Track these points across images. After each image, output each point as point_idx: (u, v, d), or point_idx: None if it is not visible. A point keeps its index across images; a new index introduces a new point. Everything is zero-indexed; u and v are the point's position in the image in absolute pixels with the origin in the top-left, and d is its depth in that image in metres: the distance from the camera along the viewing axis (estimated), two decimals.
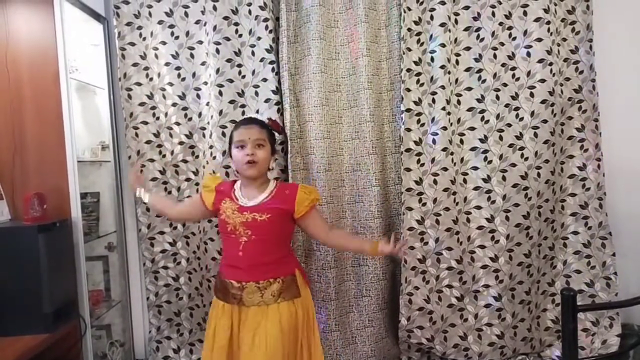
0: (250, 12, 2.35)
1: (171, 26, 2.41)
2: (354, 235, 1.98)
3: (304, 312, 1.73)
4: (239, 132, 1.72)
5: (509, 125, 2.34)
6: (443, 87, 2.29)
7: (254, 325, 1.64)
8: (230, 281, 1.69)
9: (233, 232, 1.67)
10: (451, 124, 2.33)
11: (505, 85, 2.34)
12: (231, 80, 2.35)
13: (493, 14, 2.32)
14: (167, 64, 2.42)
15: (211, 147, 2.37)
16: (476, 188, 2.36)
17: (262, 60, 2.35)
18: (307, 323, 1.75)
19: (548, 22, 2.29)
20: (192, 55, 2.42)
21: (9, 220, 2.08)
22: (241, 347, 1.65)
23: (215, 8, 2.33)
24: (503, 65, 2.34)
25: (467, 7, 2.31)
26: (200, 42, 2.41)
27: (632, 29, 2.45)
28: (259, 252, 1.66)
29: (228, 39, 2.34)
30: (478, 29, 2.33)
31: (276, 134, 1.91)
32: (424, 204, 2.32)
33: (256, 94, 2.36)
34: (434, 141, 2.31)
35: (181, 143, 2.45)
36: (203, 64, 2.41)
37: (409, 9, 2.29)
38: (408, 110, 2.30)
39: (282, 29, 2.33)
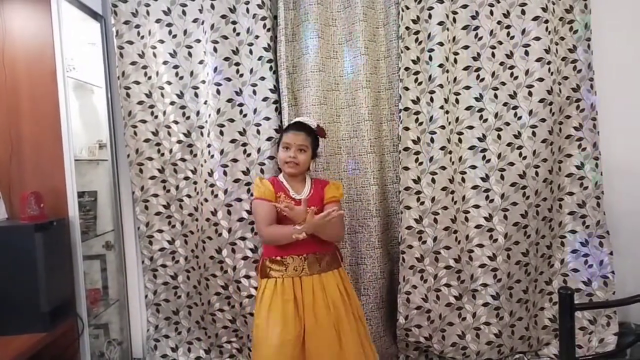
0: (248, 10, 2.34)
1: (169, 25, 2.40)
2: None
3: (348, 280, 2.02)
4: (288, 135, 1.97)
5: (507, 124, 2.35)
6: (441, 85, 2.29)
7: (319, 291, 1.88)
8: (291, 256, 1.89)
9: (302, 221, 1.83)
10: (449, 123, 2.33)
11: (503, 84, 2.34)
12: (229, 79, 2.34)
13: (491, 12, 2.32)
14: (165, 63, 2.42)
15: (209, 145, 2.36)
16: (474, 187, 2.37)
17: (260, 58, 2.34)
18: (352, 291, 2.02)
19: (546, 21, 2.29)
20: (190, 54, 2.42)
21: (6, 220, 2.07)
22: (312, 313, 1.84)
23: (213, 6, 2.33)
24: (501, 64, 2.34)
25: (465, 6, 2.31)
26: (198, 41, 2.40)
27: (630, 27, 2.46)
28: (319, 240, 1.89)
29: (226, 38, 2.34)
30: (476, 28, 2.33)
31: (320, 138, 2.10)
32: (422, 203, 2.32)
33: (254, 92, 2.36)
34: (432, 140, 2.31)
35: (179, 142, 2.45)
36: (201, 62, 2.41)
37: (407, 8, 2.28)
38: (406, 109, 2.30)
39: (280, 28, 2.32)
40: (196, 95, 2.43)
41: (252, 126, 2.36)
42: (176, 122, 2.44)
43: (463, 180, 2.38)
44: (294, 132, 1.95)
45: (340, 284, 1.93)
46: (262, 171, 2.32)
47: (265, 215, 1.88)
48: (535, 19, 2.29)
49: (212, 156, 2.35)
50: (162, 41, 2.41)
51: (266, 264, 1.93)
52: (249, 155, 2.36)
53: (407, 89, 2.30)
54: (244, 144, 2.36)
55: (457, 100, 2.36)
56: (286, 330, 1.80)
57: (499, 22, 2.33)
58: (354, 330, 1.89)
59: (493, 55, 2.33)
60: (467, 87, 2.34)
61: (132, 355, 2.61)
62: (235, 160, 2.34)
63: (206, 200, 2.38)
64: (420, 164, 2.32)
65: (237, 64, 2.36)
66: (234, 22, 2.35)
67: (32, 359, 1.78)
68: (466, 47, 2.33)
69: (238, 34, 2.36)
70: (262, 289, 1.91)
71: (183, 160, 2.47)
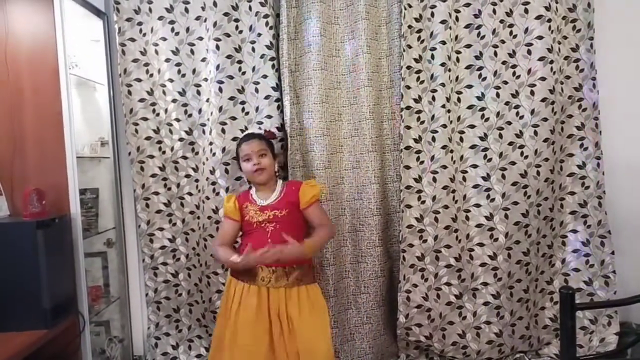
0: (250, 8, 2.34)
1: (171, 22, 2.40)
2: (315, 237, 1.93)
3: (318, 297, 1.98)
4: (242, 148, 2.01)
5: (509, 123, 2.34)
6: (443, 84, 2.29)
7: (283, 304, 1.87)
8: (261, 267, 1.87)
9: (259, 226, 1.92)
10: (451, 122, 2.33)
11: (505, 83, 2.34)
12: (231, 77, 2.34)
13: (494, 11, 2.32)
14: (167, 60, 2.42)
15: (211, 143, 2.37)
16: (475, 186, 2.36)
17: (262, 56, 2.34)
18: (320, 309, 1.97)
19: (549, 20, 2.28)
20: (192, 52, 2.42)
21: (8, 216, 2.07)
22: (277, 323, 1.86)
23: (215, 4, 2.33)
24: (504, 62, 2.33)
25: (468, 5, 2.31)
26: (201, 39, 2.40)
27: (633, 27, 2.45)
28: (281, 228, 1.89)
29: (228, 35, 2.34)
30: (479, 27, 2.32)
31: (273, 141, 2.16)
32: (423, 202, 2.32)
33: (256, 90, 2.36)
34: (433, 139, 2.31)
35: (181, 139, 2.45)
36: (203, 60, 2.41)
37: (410, 6, 2.28)
38: (408, 107, 2.30)
39: (282, 26, 2.32)
40: (198, 92, 2.43)
41: (254, 124, 2.36)
42: (178, 120, 2.44)
43: (464, 179, 2.38)
44: (247, 142, 2.00)
45: (303, 301, 1.90)
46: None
47: (221, 233, 2.04)
48: (538, 17, 2.29)
49: (214, 154, 2.35)
50: (164, 39, 2.41)
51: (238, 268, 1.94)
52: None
53: (408, 87, 2.29)
54: None
55: (458, 99, 2.35)
56: (248, 333, 1.85)
57: (501, 21, 2.32)
58: (300, 350, 1.86)
59: (495, 54, 2.33)
60: (469, 86, 2.34)
61: (133, 353, 2.61)
62: (236, 158, 2.34)
63: (208, 198, 2.39)
64: (422, 162, 2.32)
65: (240, 62, 2.36)
66: (236, 20, 2.35)
67: (33, 356, 1.78)
68: (468, 46, 2.32)
69: (240, 32, 2.36)
70: (232, 289, 1.94)
71: (184, 158, 2.47)
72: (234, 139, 2.33)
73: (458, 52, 2.33)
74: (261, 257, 1.75)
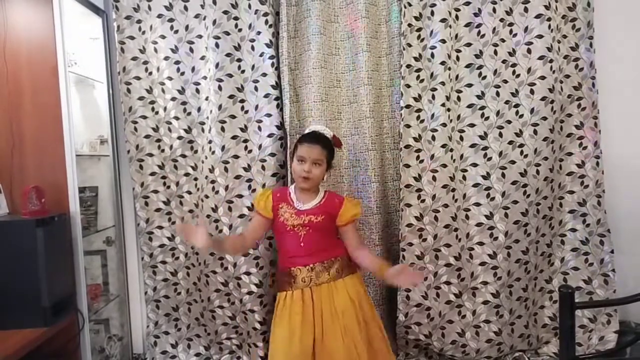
0: (250, 6, 2.34)
1: (170, 20, 2.40)
2: (375, 258, 1.98)
3: (362, 286, 1.96)
4: (303, 148, 1.88)
5: (509, 122, 2.34)
6: (443, 83, 2.29)
7: (327, 301, 1.84)
8: (298, 268, 1.86)
9: (292, 230, 1.87)
10: (451, 121, 2.33)
11: (505, 82, 2.34)
12: (230, 75, 2.34)
13: (494, 10, 2.32)
14: (166, 58, 2.41)
15: (210, 142, 2.36)
16: (475, 185, 2.36)
17: (261, 54, 2.34)
18: (366, 296, 1.97)
19: (549, 19, 2.28)
20: (191, 50, 2.41)
21: (7, 214, 2.07)
22: (320, 323, 1.82)
23: (214, 2, 2.32)
24: (504, 61, 2.33)
25: (468, 3, 2.30)
26: (200, 36, 2.40)
27: (632, 26, 2.45)
28: (316, 240, 1.87)
29: (228, 33, 2.33)
30: (479, 25, 2.32)
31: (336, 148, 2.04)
32: (423, 201, 2.32)
33: (255, 88, 2.35)
34: (433, 137, 2.31)
35: (180, 138, 2.45)
36: (202, 58, 2.40)
37: (410, 5, 2.28)
38: (407, 106, 2.30)
39: (282, 24, 2.32)
40: (197, 91, 2.43)
41: (254, 123, 2.35)
42: (177, 118, 2.43)
43: (464, 178, 2.38)
44: (309, 146, 1.86)
45: (352, 291, 1.87)
46: (263, 168, 2.32)
47: (249, 226, 2.01)
48: (538, 16, 2.29)
49: (213, 152, 2.35)
50: (163, 36, 2.40)
51: (280, 278, 1.95)
52: (250, 151, 2.35)
53: (408, 86, 2.29)
54: (245, 141, 2.35)
55: (458, 98, 2.35)
56: (292, 344, 1.78)
57: (501, 20, 2.32)
58: (364, 339, 1.83)
59: (495, 52, 2.33)
60: (469, 85, 2.34)
61: (132, 351, 2.61)
62: (236, 157, 2.34)
63: (207, 196, 2.38)
64: (421, 161, 2.32)
65: (239, 60, 2.36)
66: (235, 18, 2.35)
67: (33, 354, 1.79)
68: (468, 45, 2.32)
69: (240, 30, 2.36)
70: (276, 303, 1.91)
71: (184, 156, 2.46)
72: (234, 137, 2.33)
73: (458, 51, 2.33)
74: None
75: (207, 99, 2.39)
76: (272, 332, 1.90)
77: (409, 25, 2.28)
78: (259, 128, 2.34)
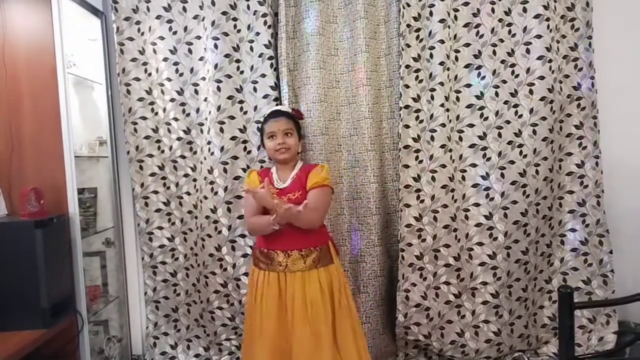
0: (248, 7, 2.34)
1: (169, 21, 2.40)
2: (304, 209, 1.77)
3: (338, 277, 1.96)
4: (269, 124, 1.98)
5: (508, 122, 2.34)
6: (442, 83, 2.29)
7: (299, 288, 1.85)
8: (276, 251, 1.89)
9: (274, 210, 1.81)
10: (450, 121, 2.33)
11: (504, 82, 2.34)
12: (229, 76, 2.34)
13: (493, 10, 2.32)
14: (165, 59, 2.41)
15: (209, 142, 2.36)
16: (475, 185, 2.36)
17: (260, 55, 2.34)
18: (343, 286, 1.96)
19: (547, 19, 2.28)
20: (190, 51, 2.41)
21: (6, 216, 2.07)
22: (291, 309, 1.85)
23: (213, 3, 2.32)
24: (502, 62, 2.33)
25: (466, 4, 2.30)
26: (199, 38, 2.40)
27: (631, 26, 2.45)
28: (296, 226, 1.85)
29: (226, 34, 2.33)
30: (477, 25, 2.32)
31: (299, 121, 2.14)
32: (422, 201, 2.32)
33: (254, 89, 2.35)
34: (432, 138, 2.31)
35: (179, 139, 2.45)
36: (201, 59, 2.40)
37: (408, 5, 2.28)
38: (407, 106, 2.30)
39: (280, 25, 2.32)
40: (196, 92, 2.43)
41: (253, 123, 2.35)
42: (176, 119, 2.44)
43: (463, 178, 2.38)
44: (274, 120, 1.97)
45: (324, 282, 1.88)
46: (261, 168, 2.32)
47: (249, 207, 1.95)
48: (537, 16, 2.29)
49: (212, 153, 2.35)
50: (162, 38, 2.40)
51: (256, 255, 1.98)
52: (249, 152, 2.35)
53: (407, 86, 2.29)
54: (244, 141, 2.35)
55: (457, 98, 2.35)
56: (266, 330, 1.85)
57: (500, 20, 2.32)
58: (330, 330, 1.85)
59: (494, 53, 2.33)
60: (468, 85, 2.34)
61: (131, 352, 2.61)
62: (235, 158, 2.34)
63: (206, 197, 2.38)
64: (421, 162, 2.32)
65: (238, 61, 2.36)
66: (234, 19, 2.35)
67: (32, 355, 1.78)
68: (467, 45, 2.32)
69: (239, 31, 2.36)
70: (255, 278, 1.94)
71: (183, 157, 2.46)
72: (233, 138, 2.33)
73: (457, 51, 2.33)
74: (285, 212, 1.72)
75: (206, 100, 2.39)
76: (247, 311, 1.96)
77: (408, 25, 2.28)
78: (258, 129, 2.34)
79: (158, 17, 2.39)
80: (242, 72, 2.36)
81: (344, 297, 1.93)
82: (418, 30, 2.30)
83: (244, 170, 2.33)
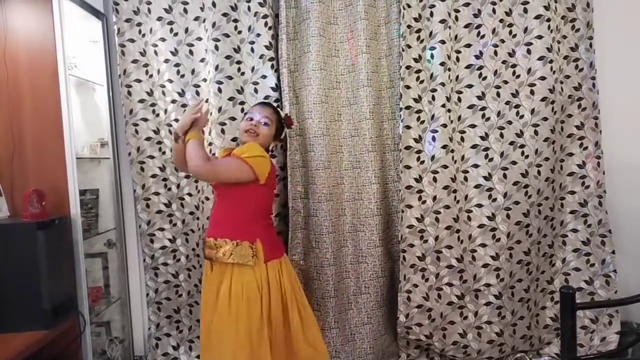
0: (249, 8, 2.34)
1: (170, 23, 2.40)
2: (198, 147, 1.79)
3: (262, 282, 1.80)
4: (254, 108, 1.96)
5: (510, 122, 2.34)
6: (443, 84, 2.29)
7: (216, 280, 1.83)
8: (207, 237, 1.87)
9: (214, 193, 1.85)
10: (451, 122, 2.33)
11: (505, 82, 2.33)
12: (230, 77, 2.34)
13: (493, 10, 2.31)
14: (166, 61, 2.42)
15: (210, 144, 2.36)
16: (477, 186, 2.36)
17: (261, 57, 2.34)
18: (275, 292, 1.83)
19: (548, 20, 2.28)
20: (191, 52, 2.42)
21: (8, 217, 2.07)
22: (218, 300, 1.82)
23: (214, 4, 2.32)
24: (504, 62, 2.33)
25: (467, 4, 2.30)
26: (200, 39, 2.40)
27: (632, 26, 2.44)
28: (222, 212, 1.84)
29: (227, 36, 2.34)
30: (478, 26, 2.32)
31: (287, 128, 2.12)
32: (424, 202, 2.31)
33: (255, 91, 2.36)
34: (433, 138, 2.31)
35: None
36: (202, 60, 2.41)
37: (409, 6, 2.28)
38: (407, 107, 2.29)
39: (281, 26, 2.32)
40: (197, 93, 2.43)
41: None
42: (177, 121, 2.43)
43: (465, 179, 2.38)
44: (261, 107, 1.95)
45: (235, 283, 1.79)
46: None
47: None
48: (538, 17, 2.29)
49: (214, 154, 2.35)
50: (163, 39, 2.41)
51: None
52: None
53: (408, 87, 2.29)
54: None
55: (459, 99, 2.35)
56: (204, 319, 1.89)
57: (501, 20, 2.32)
58: (230, 335, 1.78)
59: (495, 53, 2.33)
60: (469, 86, 2.34)
61: (133, 354, 2.61)
62: None
63: (207, 198, 2.38)
64: (422, 162, 2.31)
65: (239, 62, 2.36)
66: (235, 20, 2.35)
67: (34, 357, 1.79)
68: (468, 45, 2.32)
69: (239, 32, 2.36)
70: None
71: None
72: (234, 139, 2.33)
73: (458, 52, 2.33)
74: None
75: (207, 101, 2.39)
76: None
77: (409, 26, 2.28)
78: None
79: (159, 18, 2.40)
80: (243, 74, 2.37)
81: (250, 303, 1.79)
82: (419, 31, 2.30)
83: None
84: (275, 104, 2.03)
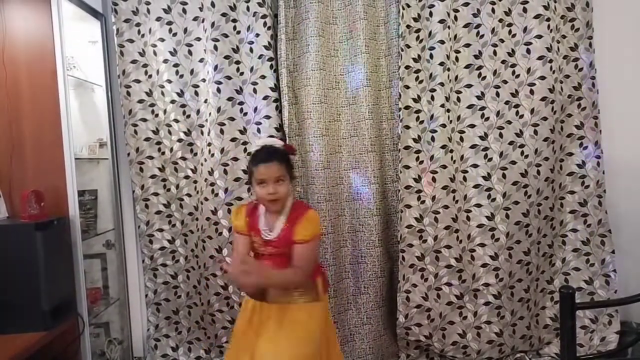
0: (248, 8, 2.34)
1: (169, 23, 2.40)
2: (278, 273, 1.74)
3: (322, 315, 1.82)
4: (259, 170, 1.72)
5: (509, 122, 2.34)
6: (442, 84, 2.29)
7: (278, 316, 1.75)
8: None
9: (259, 256, 1.80)
10: (450, 121, 2.33)
11: (505, 82, 2.33)
12: (229, 77, 2.34)
13: (493, 10, 2.31)
14: (165, 61, 2.41)
15: (209, 144, 2.36)
16: (476, 186, 2.36)
17: (260, 57, 2.34)
18: (327, 326, 1.84)
19: (548, 19, 2.28)
20: (190, 52, 2.41)
21: (7, 218, 2.07)
22: (263, 333, 1.74)
23: (213, 4, 2.32)
24: (503, 62, 2.33)
25: (466, 4, 2.30)
26: (199, 39, 2.40)
27: (631, 26, 2.44)
28: (280, 263, 1.76)
29: (226, 36, 2.33)
30: (478, 26, 2.32)
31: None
32: (423, 202, 2.31)
33: (254, 91, 2.35)
34: (432, 138, 2.30)
35: (180, 140, 2.45)
36: (201, 60, 2.40)
37: (408, 6, 2.28)
38: (407, 107, 2.29)
39: (280, 26, 2.32)
40: (196, 93, 2.43)
41: (253, 125, 2.35)
42: (176, 121, 2.43)
43: (464, 179, 2.37)
44: (265, 165, 1.71)
45: (310, 316, 1.75)
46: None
47: (238, 249, 1.84)
48: (537, 17, 2.28)
49: (213, 155, 2.35)
50: (162, 39, 2.41)
51: None
52: (249, 154, 2.35)
53: (407, 87, 2.29)
54: (245, 143, 2.35)
55: (458, 99, 2.35)
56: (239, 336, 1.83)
57: (500, 20, 2.32)
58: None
59: (495, 53, 2.33)
60: (469, 86, 2.33)
61: (132, 355, 2.61)
62: (235, 159, 2.34)
63: (206, 199, 2.38)
64: (421, 162, 2.31)
65: (238, 62, 2.36)
66: (234, 20, 2.35)
67: (33, 358, 1.78)
68: (467, 45, 2.32)
69: (238, 32, 2.36)
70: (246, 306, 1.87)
71: (183, 159, 2.46)
72: (233, 139, 2.33)
73: (457, 52, 2.33)
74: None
75: (206, 101, 2.39)
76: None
77: (408, 26, 2.28)
78: (258, 130, 2.34)
79: (158, 19, 2.40)
80: (242, 74, 2.36)
81: (324, 340, 1.78)
82: (418, 30, 2.30)
83: (245, 172, 2.32)
84: (272, 142, 1.82)
